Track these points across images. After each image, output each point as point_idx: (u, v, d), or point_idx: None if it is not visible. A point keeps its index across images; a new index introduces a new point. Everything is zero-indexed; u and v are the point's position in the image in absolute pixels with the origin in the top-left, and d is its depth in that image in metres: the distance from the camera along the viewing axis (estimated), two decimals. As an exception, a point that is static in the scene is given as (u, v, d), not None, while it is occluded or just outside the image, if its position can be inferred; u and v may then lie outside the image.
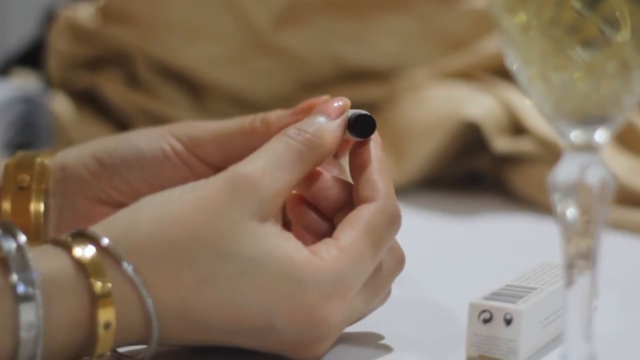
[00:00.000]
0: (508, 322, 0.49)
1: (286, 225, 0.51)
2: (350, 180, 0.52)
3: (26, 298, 0.43)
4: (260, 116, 0.56)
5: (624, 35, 0.41)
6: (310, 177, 0.52)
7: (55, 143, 0.96)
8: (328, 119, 0.51)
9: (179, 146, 0.56)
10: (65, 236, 0.47)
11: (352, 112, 0.52)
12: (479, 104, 0.86)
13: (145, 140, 0.57)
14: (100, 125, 0.95)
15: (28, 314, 0.43)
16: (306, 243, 0.48)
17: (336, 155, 0.55)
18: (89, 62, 0.97)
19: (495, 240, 0.76)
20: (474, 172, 0.91)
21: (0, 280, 0.44)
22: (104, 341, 0.45)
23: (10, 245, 0.45)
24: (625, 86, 0.42)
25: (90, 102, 0.97)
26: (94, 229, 0.47)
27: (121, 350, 0.48)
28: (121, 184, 0.56)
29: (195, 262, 0.46)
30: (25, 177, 0.57)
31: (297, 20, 0.94)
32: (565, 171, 0.43)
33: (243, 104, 0.95)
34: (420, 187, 0.87)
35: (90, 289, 0.45)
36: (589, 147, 0.43)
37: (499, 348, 0.49)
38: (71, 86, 0.97)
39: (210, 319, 0.47)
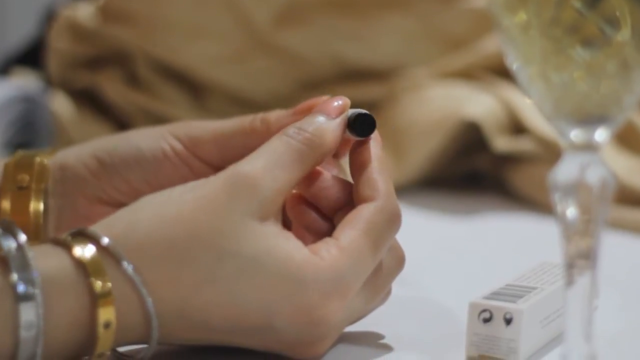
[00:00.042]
0: (508, 321, 0.49)
1: (286, 224, 0.51)
2: (349, 179, 0.52)
3: (26, 297, 0.43)
4: (260, 116, 0.56)
5: (624, 34, 0.41)
6: (310, 177, 0.52)
7: (55, 142, 0.96)
8: (328, 118, 0.51)
9: (178, 146, 0.56)
10: (65, 235, 0.47)
11: (352, 111, 0.52)
12: (479, 104, 0.86)
13: (145, 139, 0.57)
14: (100, 125, 0.95)
15: (28, 313, 0.43)
16: (306, 242, 0.48)
17: (336, 155, 0.55)
18: (89, 62, 0.97)
19: (496, 240, 0.76)
20: (474, 171, 0.91)
21: (0, 279, 0.44)
22: (104, 340, 0.45)
23: (10, 244, 0.45)
24: (625, 86, 0.42)
25: (90, 101, 0.97)
26: (94, 228, 0.47)
27: (121, 349, 0.48)
28: (121, 184, 0.56)
29: (195, 262, 0.46)
30: (24, 177, 0.57)
31: (297, 19, 0.94)
32: (565, 171, 0.43)
33: (243, 104, 0.95)
34: (420, 186, 0.87)
35: (90, 288, 0.45)
36: (589, 147, 0.43)
37: (499, 347, 0.49)
38: (71, 85, 0.97)
39: (210, 318, 0.47)
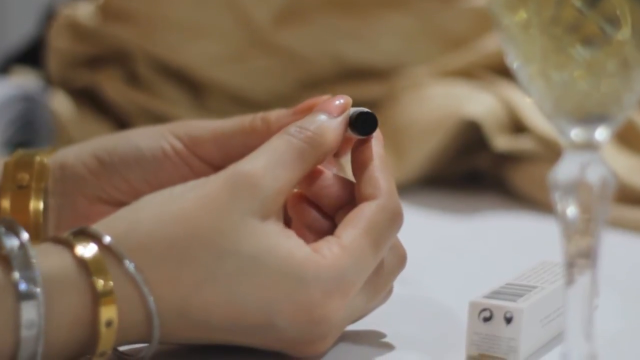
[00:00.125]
0: (508, 320, 0.49)
1: (287, 223, 0.51)
2: (350, 178, 0.52)
3: (28, 296, 0.43)
4: (260, 115, 0.56)
5: (624, 33, 0.41)
6: (311, 176, 0.52)
7: (55, 141, 0.96)
8: (329, 116, 0.51)
9: (178, 145, 0.56)
10: (66, 234, 0.47)
11: (353, 110, 0.52)
12: (479, 103, 0.86)
13: (145, 139, 0.57)
14: (100, 124, 0.95)
15: (29, 312, 0.43)
16: (307, 241, 0.48)
17: (337, 154, 0.55)
18: (88, 61, 0.97)
19: (496, 239, 0.76)
20: (475, 170, 0.91)
21: (2, 278, 0.44)
22: (106, 339, 0.45)
23: (12, 242, 0.45)
24: (625, 84, 0.42)
25: (90, 100, 0.97)
26: (96, 227, 0.47)
27: (122, 349, 0.48)
28: (121, 183, 0.56)
29: (196, 261, 0.46)
30: (24, 176, 0.57)
31: (297, 18, 0.94)
32: (565, 170, 0.43)
33: (243, 103, 0.95)
34: (420, 185, 0.87)
35: (92, 287, 0.45)
36: (590, 146, 0.43)
37: (499, 346, 0.49)
38: (71, 84, 0.97)
39: (210, 317, 0.47)
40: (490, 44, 0.92)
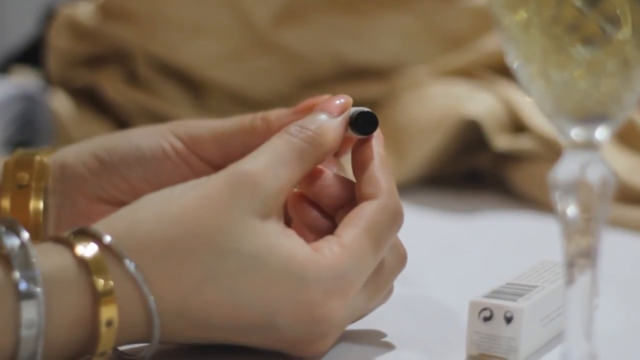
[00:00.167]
0: (508, 320, 0.49)
1: (287, 223, 0.51)
2: (350, 178, 0.52)
3: (28, 295, 0.43)
4: (260, 115, 0.56)
5: (624, 33, 0.41)
6: (312, 175, 0.51)
7: (55, 141, 0.96)
8: (330, 116, 0.51)
9: (179, 144, 0.56)
10: (67, 234, 0.47)
11: (354, 109, 0.52)
12: (479, 102, 0.86)
13: (145, 138, 0.57)
14: (100, 123, 0.94)
15: (29, 311, 0.43)
16: (308, 241, 0.48)
17: (337, 154, 0.55)
18: (88, 60, 0.97)
19: (496, 238, 0.76)
20: (475, 170, 0.91)
21: (2, 277, 0.44)
22: (106, 339, 0.45)
23: (13, 242, 0.45)
24: (625, 84, 0.42)
25: (90, 99, 0.97)
26: (96, 226, 0.47)
27: (122, 348, 0.48)
28: (121, 183, 0.56)
29: (196, 260, 0.46)
30: (24, 175, 0.57)
31: (297, 17, 0.94)
32: (565, 169, 0.43)
33: (243, 102, 0.95)
34: (420, 185, 0.87)
35: (92, 286, 0.45)
36: (590, 145, 0.43)
37: (500, 346, 0.49)
38: (71, 84, 0.97)
39: (210, 316, 0.47)
40: (491, 43, 0.92)
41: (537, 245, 0.71)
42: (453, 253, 0.72)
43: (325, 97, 0.53)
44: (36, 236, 0.56)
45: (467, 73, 0.92)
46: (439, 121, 0.86)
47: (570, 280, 0.43)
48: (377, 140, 0.52)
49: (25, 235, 0.45)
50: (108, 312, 0.45)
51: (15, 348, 0.43)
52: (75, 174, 0.57)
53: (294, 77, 0.95)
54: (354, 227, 0.49)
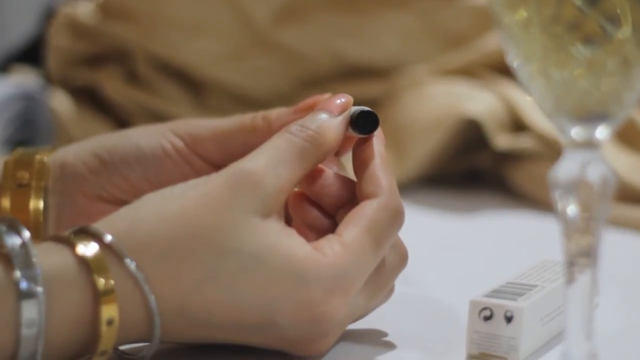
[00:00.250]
0: (509, 319, 0.49)
1: (288, 222, 0.51)
2: (351, 177, 0.52)
3: (28, 295, 0.43)
4: (261, 114, 0.56)
5: (624, 32, 0.41)
6: (312, 174, 0.51)
7: (55, 140, 0.96)
8: (330, 115, 0.51)
9: (179, 143, 0.56)
10: (67, 233, 0.47)
11: (354, 108, 0.52)
12: (479, 101, 0.86)
13: (145, 137, 0.57)
14: (100, 123, 0.95)
15: (30, 310, 0.43)
16: (308, 240, 0.48)
17: (338, 153, 0.55)
18: (88, 59, 0.97)
19: (496, 238, 0.76)
20: (475, 169, 0.91)
21: (3, 276, 0.44)
22: (107, 338, 0.45)
23: (14, 241, 0.45)
24: (626, 83, 0.42)
25: (90, 99, 0.97)
26: (97, 226, 0.47)
27: (122, 348, 0.48)
28: (121, 182, 0.56)
29: (197, 259, 0.46)
30: (24, 175, 0.57)
31: (297, 16, 0.94)
32: (566, 168, 0.43)
33: (243, 101, 0.95)
34: (420, 184, 0.87)
35: (93, 285, 0.45)
36: (590, 144, 0.42)
37: (500, 345, 0.49)
38: (71, 83, 0.97)
39: (211, 316, 0.47)
40: (491, 42, 0.92)
41: (537, 244, 0.70)
42: (453, 252, 0.72)
43: (326, 96, 0.53)
44: (36, 235, 0.56)
45: (467, 72, 0.92)
46: (439, 120, 0.86)
47: (570, 280, 0.43)
48: (377, 140, 0.52)
49: (26, 234, 0.45)
50: (109, 311, 0.45)
51: (15, 347, 0.43)
52: (75, 173, 0.57)
53: (294, 76, 0.95)
54: (355, 226, 0.49)
